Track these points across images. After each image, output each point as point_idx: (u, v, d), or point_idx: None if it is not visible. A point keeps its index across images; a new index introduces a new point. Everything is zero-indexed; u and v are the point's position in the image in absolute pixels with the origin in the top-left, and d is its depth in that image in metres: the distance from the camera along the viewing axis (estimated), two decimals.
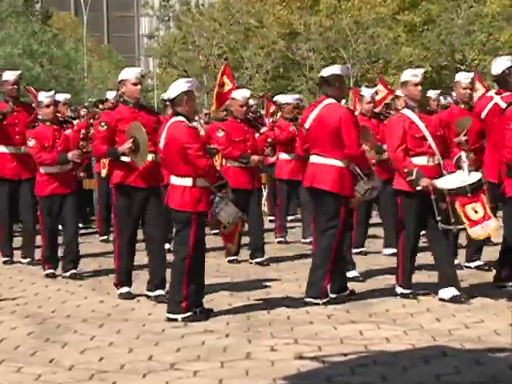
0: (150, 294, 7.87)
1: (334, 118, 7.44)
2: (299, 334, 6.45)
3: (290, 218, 12.69)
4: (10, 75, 10.14)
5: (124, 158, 7.81)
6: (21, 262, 10.00)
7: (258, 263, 9.76)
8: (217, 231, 10.92)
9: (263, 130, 10.23)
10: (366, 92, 10.42)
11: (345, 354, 5.82)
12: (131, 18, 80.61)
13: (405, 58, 37.40)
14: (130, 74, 7.96)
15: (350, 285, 7.89)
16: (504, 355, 5.77)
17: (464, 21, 37.20)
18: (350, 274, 8.29)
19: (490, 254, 9.10)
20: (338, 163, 7.48)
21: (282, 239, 11.47)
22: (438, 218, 7.36)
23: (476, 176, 7.43)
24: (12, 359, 5.90)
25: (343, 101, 9.21)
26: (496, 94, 8.60)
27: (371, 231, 10.53)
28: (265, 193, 13.96)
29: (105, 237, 11.91)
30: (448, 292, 7.48)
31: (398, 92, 9.95)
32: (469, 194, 7.25)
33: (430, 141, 7.54)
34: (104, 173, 11.19)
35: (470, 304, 7.34)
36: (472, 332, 6.41)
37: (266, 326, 6.78)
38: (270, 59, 38.83)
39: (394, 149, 7.51)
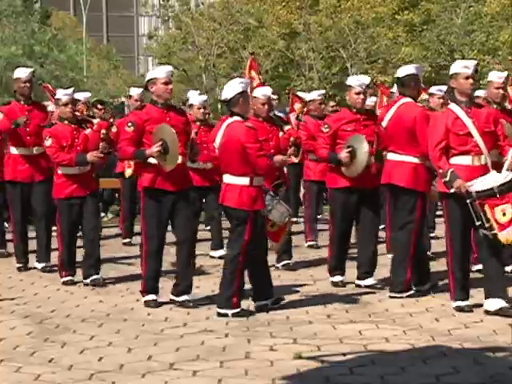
0: (175, 298, 7.59)
1: (409, 116, 7.75)
2: (298, 333, 6.45)
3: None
4: (22, 72, 9.75)
5: (151, 160, 7.53)
6: (35, 267, 9.64)
7: (284, 266, 9.37)
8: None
9: (287, 128, 9.64)
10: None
11: (344, 354, 5.83)
12: (131, 18, 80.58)
13: (404, 58, 37.40)
14: (160, 72, 7.65)
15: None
16: (504, 355, 5.77)
17: (463, 21, 37.18)
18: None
19: None
20: (414, 160, 7.74)
21: (313, 243, 10.96)
22: (478, 223, 6.87)
23: (509, 176, 6.90)
24: (11, 359, 5.90)
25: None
26: None
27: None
28: None
29: (127, 240, 11.54)
30: (495, 303, 6.99)
31: (432, 89, 9.92)
32: (497, 196, 6.80)
33: (477, 138, 7.05)
34: (129, 173, 10.71)
35: None
36: (471, 332, 6.41)
37: (265, 325, 6.78)
38: (270, 59, 38.84)
39: (433, 147, 7.11)
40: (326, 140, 8.19)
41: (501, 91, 8.66)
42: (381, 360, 5.70)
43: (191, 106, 10.28)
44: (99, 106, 12.25)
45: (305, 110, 11.83)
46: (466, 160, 7.08)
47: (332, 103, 14.98)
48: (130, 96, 11.64)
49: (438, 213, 10.71)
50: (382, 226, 11.70)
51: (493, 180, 6.89)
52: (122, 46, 67.31)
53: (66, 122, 8.73)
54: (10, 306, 7.80)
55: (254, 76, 10.67)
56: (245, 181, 7.15)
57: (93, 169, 8.81)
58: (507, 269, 8.20)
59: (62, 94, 8.82)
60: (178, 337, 6.45)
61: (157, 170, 7.52)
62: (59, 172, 8.73)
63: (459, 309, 7.11)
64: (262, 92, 9.18)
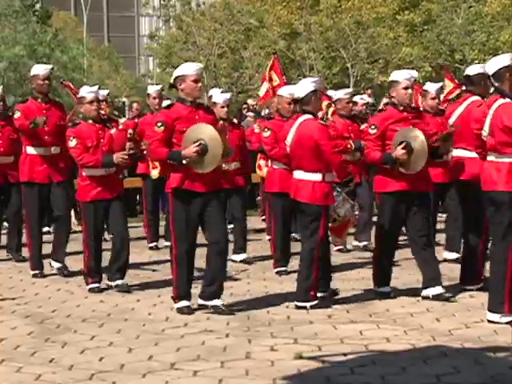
0: (204, 302, 7.33)
1: (478, 114, 7.38)
2: (299, 333, 6.45)
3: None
4: (40, 69, 9.30)
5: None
6: (50, 265, 9.33)
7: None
8: None
9: None
10: (431, 87, 9.57)
11: (345, 354, 5.82)
12: (131, 18, 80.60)
13: (405, 58, 37.39)
14: (190, 69, 7.29)
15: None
16: (504, 355, 5.77)
17: (464, 21, 37.16)
18: None
19: None
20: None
21: (341, 247, 10.37)
22: None
23: None
24: (12, 359, 5.90)
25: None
26: None
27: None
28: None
29: (153, 244, 11.13)
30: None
31: None
32: None
33: None
34: (155, 174, 10.10)
35: None
36: (472, 332, 6.41)
37: (265, 325, 6.78)
38: (270, 59, 38.86)
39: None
40: (374, 141, 7.62)
41: None
42: (381, 360, 5.70)
43: (214, 104, 9.80)
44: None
45: (331, 109, 11.29)
46: None
47: None
48: (148, 94, 11.17)
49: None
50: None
51: None
52: (122, 46, 67.32)
53: (90, 121, 8.31)
54: (11, 305, 7.80)
55: (273, 77, 10.56)
56: (317, 177, 7.38)
57: (118, 170, 8.48)
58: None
59: (87, 92, 8.38)
60: (178, 337, 6.45)
61: (186, 170, 7.19)
62: (84, 174, 8.29)
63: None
64: (288, 91, 8.87)
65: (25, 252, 9.98)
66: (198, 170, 7.16)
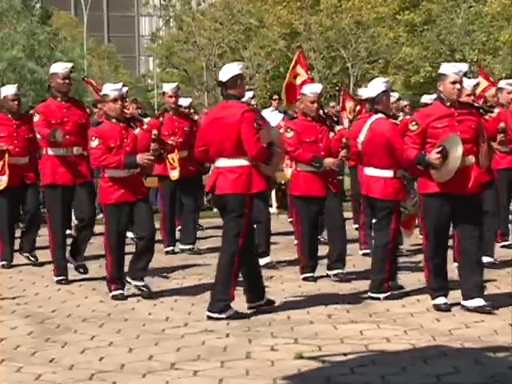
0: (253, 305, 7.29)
1: None
2: (299, 333, 6.45)
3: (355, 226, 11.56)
4: (59, 68, 8.93)
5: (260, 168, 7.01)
6: (68, 262, 8.90)
7: (336, 276, 8.60)
8: None
9: (338, 128, 8.70)
10: (467, 83, 8.63)
11: (345, 354, 5.82)
12: (132, 18, 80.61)
13: (405, 58, 37.42)
14: (239, 68, 7.20)
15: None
16: (504, 355, 5.77)
17: (464, 20, 37.18)
18: None
19: None
20: None
21: (368, 251, 9.82)
22: None
23: None
24: (12, 359, 5.90)
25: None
26: None
27: None
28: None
29: (169, 248, 10.72)
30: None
31: (502, 83, 9.64)
32: None
33: None
34: (175, 175, 10.16)
35: None
36: (472, 332, 6.41)
37: (266, 325, 6.78)
38: (271, 59, 38.84)
39: None
40: (413, 139, 7.09)
41: None
42: (382, 360, 5.69)
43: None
44: (99, 105, 11.36)
45: (357, 108, 11.10)
46: None
47: (333, 103, 14.98)
48: (164, 92, 10.83)
49: None
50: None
51: None
52: (122, 46, 67.32)
53: (113, 120, 7.90)
54: (11, 305, 7.80)
55: (301, 72, 10.12)
56: (389, 173, 7.68)
57: (142, 172, 8.12)
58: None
59: (110, 90, 7.93)
60: (178, 337, 6.45)
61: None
62: (106, 175, 7.91)
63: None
64: (311, 89, 8.61)
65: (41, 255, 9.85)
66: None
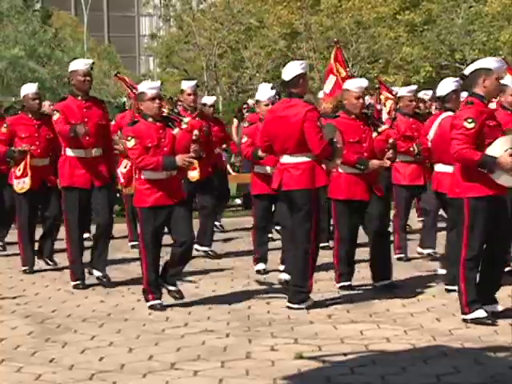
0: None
1: None
2: (299, 333, 6.45)
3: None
4: (80, 64, 8.56)
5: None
6: (89, 273, 8.70)
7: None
8: None
9: (383, 128, 8.13)
10: (511, 82, 8.41)
11: (345, 354, 5.82)
12: (132, 18, 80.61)
13: (405, 58, 37.43)
14: (302, 67, 7.31)
15: None
16: (504, 355, 5.77)
17: (464, 20, 37.19)
18: None
19: None
20: None
21: (401, 255, 9.67)
22: None
23: None
24: (12, 359, 5.90)
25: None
26: None
27: None
28: None
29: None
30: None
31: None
32: None
33: None
34: (195, 175, 9.67)
35: None
36: (472, 332, 6.40)
37: (266, 325, 6.78)
38: (271, 59, 38.87)
39: None
40: (470, 138, 6.48)
41: None
42: (382, 360, 5.69)
43: (258, 102, 9.15)
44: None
45: (389, 102, 10.83)
46: None
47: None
48: (182, 90, 10.32)
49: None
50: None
51: None
52: (122, 46, 67.32)
53: (150, 119, 7.51)
54: (11, 305, 7.80)
55: (339, 69, 9.80)
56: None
57: (181, 174, 7.72)
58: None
59: (148, 88, 7.55)
60: (178, 337, 6.45)
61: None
62: (142, 177, 7.49)
63: None
64: (356, 84, 8.07)
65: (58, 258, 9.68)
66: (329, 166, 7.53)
